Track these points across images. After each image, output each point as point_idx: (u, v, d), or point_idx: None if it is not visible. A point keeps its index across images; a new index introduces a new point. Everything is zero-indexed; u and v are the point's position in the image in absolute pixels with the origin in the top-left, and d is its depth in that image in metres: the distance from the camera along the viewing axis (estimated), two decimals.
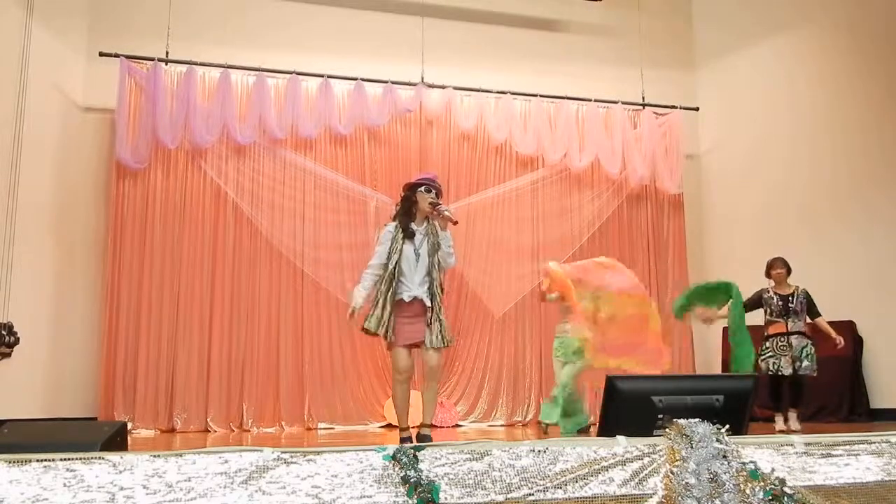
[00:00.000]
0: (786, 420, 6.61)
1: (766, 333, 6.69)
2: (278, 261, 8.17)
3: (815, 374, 6.53)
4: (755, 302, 6.75)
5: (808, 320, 6.67)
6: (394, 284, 4.88)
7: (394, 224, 5.10)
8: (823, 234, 8.10)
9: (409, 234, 5.01)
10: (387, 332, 4.82)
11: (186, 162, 8.10)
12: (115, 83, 7.83)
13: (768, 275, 6.82)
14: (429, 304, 4.91)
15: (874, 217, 7.75)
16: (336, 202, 8.41)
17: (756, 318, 6.85)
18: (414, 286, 4.91)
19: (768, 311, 6.71)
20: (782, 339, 6.57)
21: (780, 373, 6.50)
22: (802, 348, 6.52)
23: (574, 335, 6.40)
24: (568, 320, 6.53)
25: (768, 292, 6.75)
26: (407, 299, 4.87)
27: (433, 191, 5.06)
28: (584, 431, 6.44)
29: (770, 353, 6.59)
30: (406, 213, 5.07)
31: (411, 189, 5.11)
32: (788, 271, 6.77)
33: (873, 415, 7.56)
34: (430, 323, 4.90)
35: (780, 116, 8.87)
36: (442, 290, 5.05)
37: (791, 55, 8.87)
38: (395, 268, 4.91)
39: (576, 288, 6.37)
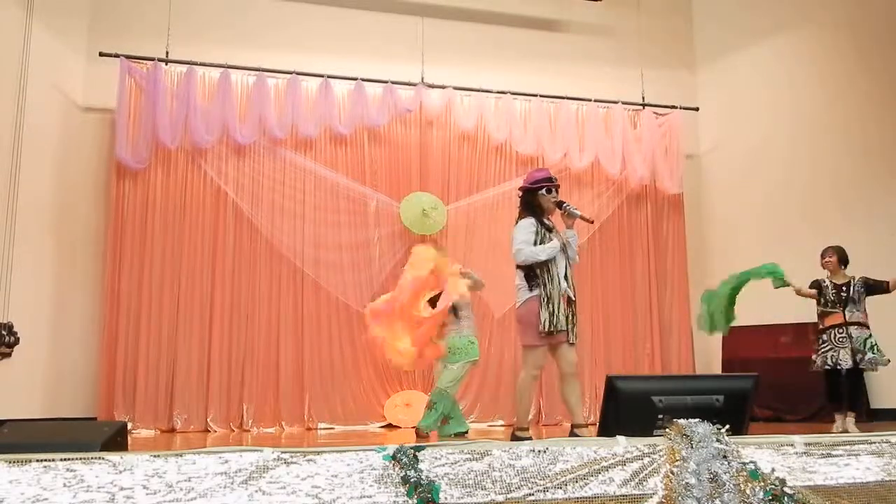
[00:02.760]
0: (845, 420, 6.14)
1: (821, 326, 6.28)
2: (278, 261, 8.17)
3: (884, 365, 6.08)
4: (818, 286, 6.33)
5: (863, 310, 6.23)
6: (555, 277, 4.84)
7: (529, 220, 4.99)
8: (825, 234, 8.06)
9: (549, 229, 4.97)
10: (556, 327, 4.77)
11: (186, 162, 8.10)
12: (116, 83, 7.83)
13: (823, 265, 6.45)
14: (574, 298, 4.93)
15: (877, 216, 7.75)
16: (336, 202, 8.42)
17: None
18: (561, 280, 4.89)
19: (822, 300, 6.29)
20: (841, 331, 6.11)
21: (839, 367, 6.04)
22: (865, 339, 6.08)
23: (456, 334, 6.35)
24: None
25: (824, 281, 6.35)
26: (563, 293, 4.86)
27: (553, 190, 5.03)
28: (460, 437, 6.32)
29: (828, 347, 6.14)
30: (534, 211, 5.02)
31: (531, 192, 5.06)
32: (841, 258, 6.35)
33: (873, 415, 7.54)
34: (572, 318, 4.91)
35: (781, 116, 8.87)
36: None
37: (791, 54, 8.87)
38: (551, 262, 4.87)
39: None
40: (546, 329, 4.78)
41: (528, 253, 4.86)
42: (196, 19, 8.43)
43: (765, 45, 9.15)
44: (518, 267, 4.98)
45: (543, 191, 5.02)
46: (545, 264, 4.85)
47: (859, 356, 6.04)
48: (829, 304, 6.24)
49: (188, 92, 8.02)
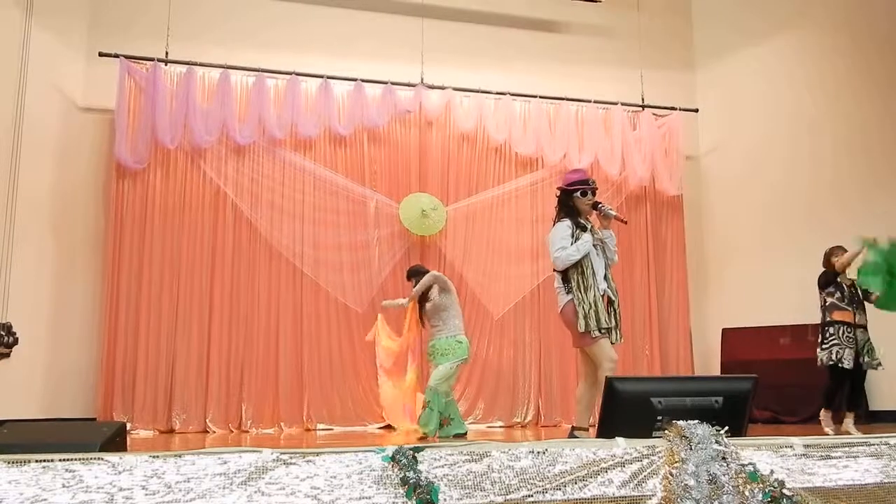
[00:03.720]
0: (839, 421, 6.18)
1: (830, 318, 6.20)
2: (278, 261, 8.17)
3: (874, 369, 6.16)
4: (829, 278, 6.26)
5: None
6: (589, 277, 4.80)
7: (565, 222, 4.94)
8: (825, 235, 8.07)
9: (584, 229, 4.91)
10: (598, 325, 4.71)
11: (186, 162, 8.10)
12: (115, 83, 7.84)
13: (827, 264, 6.38)
14: (613, 298, 4.89)
15: (875, 215, 7.73)
16: (335, 203, 8.42)
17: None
18: (600, 280, 4.86)
19: (838, 294, 6.21)
20: (850, 330, 6.09)
21: (841, 365, 6.03)
22: (865, 342, 6.14)
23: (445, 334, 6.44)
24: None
25: (837, 277, 6.26)
26: (601, 293, 4.83)
27: (588, 192, 4.97)
28: (459, 438, 6.28)
29: (835, 342, 6.11)
30: (569, 213, 4.97)
31: (566, 193, 5.01)
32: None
33: (872, 417, 7.55)
34: (614, 317, 4.86)
35: (781, 117, 8.88)
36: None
37: (791, 55, 8.88)
38: (585, 262, 4.83)
39: None
40: (585, 330, 4.72)
41: (564, 257, 4.82)
42: (196, 20, 8.43)
43: (764, 46, 9.16)
44: (555, 270, 4.96)
45: (578, 193, 4.96)
46: (579, 265, 4.82)
47: (861, 358, 6.08)
48: (845, 301, 6.19)
49: (188, 92, 8.03)
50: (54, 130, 7.66)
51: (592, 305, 4.74)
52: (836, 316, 6.18)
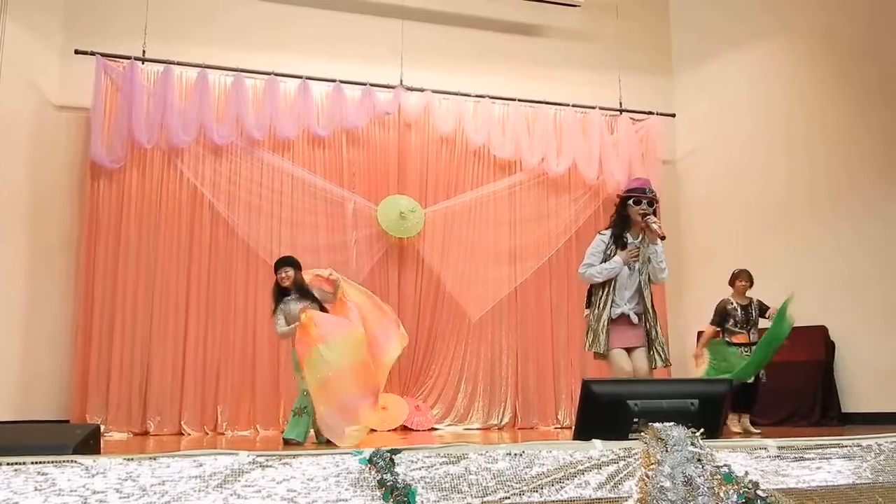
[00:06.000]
0: (739, 421, 6.87)
1: (730, 341, 6.90)
2: (255, 262, 8.12)
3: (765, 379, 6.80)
4: (722, 314, 6.93)
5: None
6: (605, 297, 4.73)
7: (604, 236, 4.87)
8: (799, 240, 8.18)
9: (621, 245, 4.80)
10: (602, 344, 4.66)
11: (162, 162, 8.04)
12: (91, 81, 7.76)
13: (732, 284, 7.02)
14: (636, 321, 4.75)
15: (849, 223, 7.83)
16: (314, 204, 8.39)
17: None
18: (622, 301, 4.74)
19: (732, 321, 6.90)
20: (746, 350, 6.77)
21: (745, 380, 6.65)
22: None
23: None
24: None
25: (731, 303, 6.95)
26: (614, 316, 4.71)
27: (643, 202, 4.79)
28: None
29: None
30: (620, 222, 4.86)
31: (622, 200, 4.90)
32: (751, 283, 7.00)
33: (845, 419, 7.64)
34: (651, 342, 4.76)
35: (758, 122, 8.95)
36: (654, 309, 4.82)
37: (769, 61, 8.95)
38: (605, 283, 4.74)
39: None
40: (588, 348, 4.77)
41: (587, 276, 4.81)
42: (174, 18, 8.37)
43: (743, 52, 9.23)
44: None
45: (632, 201, 4.83)
46: (602, 285, 4.77)
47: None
48: (738, 325, 6.88)
49: (165, 91, 7.96)
50: (29, 128, 7.57)
51: (597, 327, 4.71)
52: (735, 339, 6.88)
